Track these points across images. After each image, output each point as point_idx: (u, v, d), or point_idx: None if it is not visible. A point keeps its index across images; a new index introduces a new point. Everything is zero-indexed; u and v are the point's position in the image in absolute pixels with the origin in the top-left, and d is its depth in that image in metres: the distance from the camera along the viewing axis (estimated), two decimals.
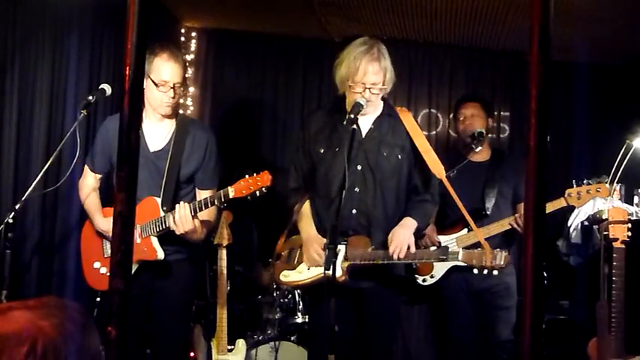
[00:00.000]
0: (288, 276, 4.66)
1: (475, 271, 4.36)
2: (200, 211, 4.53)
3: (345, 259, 4.41)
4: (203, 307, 5.93)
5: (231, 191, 4.45)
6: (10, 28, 5.10)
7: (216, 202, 4.51)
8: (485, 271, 4.33)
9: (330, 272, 3.89)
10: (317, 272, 4.49)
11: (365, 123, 4.56)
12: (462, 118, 5.79)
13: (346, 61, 4.49)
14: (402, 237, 4.39)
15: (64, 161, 4.94)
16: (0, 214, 4.79)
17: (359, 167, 4.50)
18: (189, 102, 7.72)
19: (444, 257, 4.40)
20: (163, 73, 4.54)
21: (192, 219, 4.51)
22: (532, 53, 1.49)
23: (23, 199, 4.52)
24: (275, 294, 6.14)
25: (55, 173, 4.98)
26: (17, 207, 4.49)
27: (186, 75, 7.48)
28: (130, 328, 4.34)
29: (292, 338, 6.04)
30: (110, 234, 4.62)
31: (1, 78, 5.08)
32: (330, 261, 3.92)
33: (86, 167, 4.87)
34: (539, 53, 1.48)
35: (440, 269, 5.45)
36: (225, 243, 5.28)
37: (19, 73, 5.18)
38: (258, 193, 4.46)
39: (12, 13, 5.09)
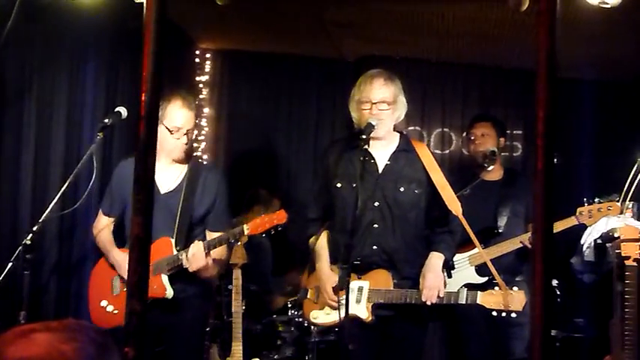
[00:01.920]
0: (317, 317, 4.71)
1: (494, 313, 4.38)
2: (213, 249, 4.60)
3: (369, 299, 4.45)
4: (219, 327, 5.95)
5: (247, 229, 4.57)
6: (28, 52, 5.16)
7: (230, 240, 4.58)
8: (504, 314, 4.35)
9: (344, 291, 3.94)
10: (344, 314, 4.53)
11: (381, 158, 4.60)
12: (472, 138, 5.86)
13: (357, 85, 4.57)
14: (433, 282, 4.43)
15: (81, 183, 4.97)
16: (18, 236, 4.84)
17: (377, 203, 4.53)
18: (204, 122, 7.77)
19: (463, 300, 4.42)
20: (177, 119, 4.63)
21: (205, 257, 4.58)
22: (538, 76, 1.52)
23: (41, 220, 4.56)
24: (290, 313, 6.16)
25: (72, 195, 5.01)
26: (35, 229, 4.53)
27: (201, 96, 7.60)
28: None
29: (308, 357, 6.06)
30: (124, 268, 4.70)
31: (19, 102, 5.14)
32: (344, 280, 3.96)
33: (100, 211, 4.96)
34: (545, 76, 1.52)
35: (452, 287, 5.45)
36: (240, 263, 5.30)
37: (37, 97, 5.22)
38: (272, 231, 4.54)
39: (30, 38, 5.15)
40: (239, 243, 4.83)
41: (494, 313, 4.38)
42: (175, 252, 4.65)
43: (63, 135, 5.39)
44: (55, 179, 5.28)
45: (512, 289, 4.39)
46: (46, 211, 4.58)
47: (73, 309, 5.38)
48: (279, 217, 4.56)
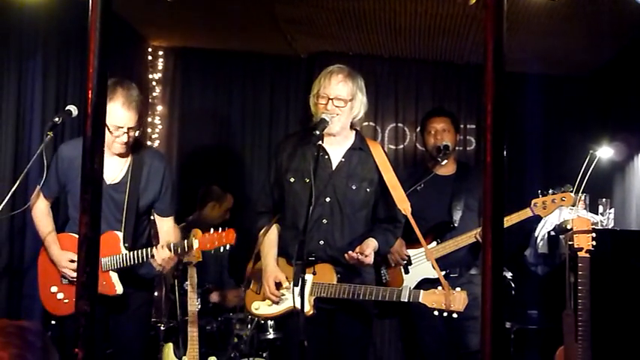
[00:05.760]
0: (258, 308, 4.67)
1: (436, 312, 4.37)
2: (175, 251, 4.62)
3: (312, 292, 4.43)
4: (174, 326, 5.92)
5: (196, 243, 4.57)
6: None
7: (179, 251, 4.60)
8: (445, 314, 4.35)
9: (298, 288, 3.93)
10: (285, 306, 4.51)
11: (335, 155, 4.59)
12: (433, 132, 5.78)
13: (317, 79, 4.57)
14: (368, 249, 4.41)
15: (32, 183, 4.91)
16: None
17: (328, 199, 4.53)
18: (157, 120, 7.73)
19: (405, 298, 4.40)
20: (118, 119, 4.55)
21: (172, 258, 4.64)
22: (486, 69, 1.53)
23: None
24: (246, 310, 6.15)
25: (22, 195, 4.95)
26: None
27: (154, 93, 7.55)
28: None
29: (264, 354, 6.06)
30: (61, 267, 4.67)
31: None
32: (298, 276, 3.95)
33: (39, 192, 4.83)
34: (493, 69, 1.52)
35: (410, 282, 5.48)
36: (194, 261, 5.28)
37: None
38: (222, 249, 4.54)
39: None
40: (189, 235, 4.83)
41: (436, 313, 4.37)
42: (123, 248, 4.64)
43: (12, 134, 5.32)
44: (5, 179, 5.21)
45: (455, 288, 4.39)
46: None
47: (25, 310, 5.31)
48: (228, 237, 4.57)
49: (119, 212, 4.69)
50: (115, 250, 4.63)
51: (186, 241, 4.59)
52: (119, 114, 4.56)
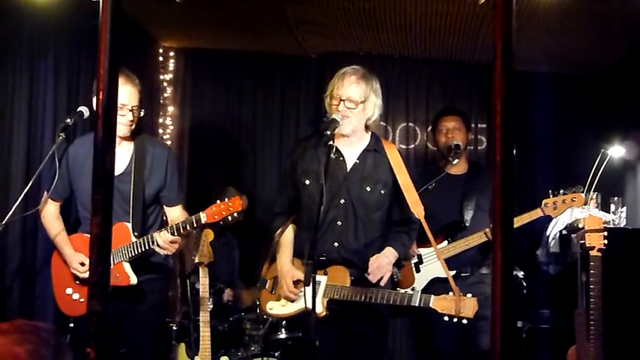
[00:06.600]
0: (272, 308, 4.68)
1: (446, 318, 4.35)
2: (176, 234, 4.58)
3: (325, 294, 4.44)
4: (186, 326, 5.93)
5: (203, 217, 4.52)
6: None
7: (188, 227, 4.56)
8: (455, 319, 4.34)
9: (310, 286, 3.94)
10: (299, 306, 4.51)
11: (350, 157, 4.59)
12: (444, 131, 5.79)
13: (332, 80, 4.56)
14: (382, 263, 4.43)
15: (44, 184, 4.93)
16: None
17: (342, 201, 4.53)
18: (168, 121, 7.74)
19: (416, 303, 4.39)
20: (120, 96, 4.52)
21: (174, 241, 4.59)
22: (495, 68, 1.53)
23: (3, 222, 4.52)
24: (258, 310, 6.16)
25: (34, 196, 4.97)
26: None
27: (165, 94, 7.56)
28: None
29: (276, 354, 6.06)
30: (71, 269, 4.68)
31: None
32: (309, 276, 3.95)
33: (47, 196, 4.86)
34: (502, 69, 1.52)
35: (421, 281, 5.48)
36: (206, 261, 5.29)
37: None
38: (230, 218, 4.52)
39: None
40: (201, 235, 4.80)
41: (446, 318, 4.35)
42: (133, 238, 4.65)
43: (24, 136, 5.35)
44: (17, 180, 5.25)
45: (466, 288, 4.39)
46: (9, 213, 4.53)
47: (38, 311, 5.33)
48: (235, 204, 4.53)
49: (126, 203, 4.70)
50: (125, 240, 4.65)
51: (194, 216, 4.56)
52: (122, 91, 4.55)
